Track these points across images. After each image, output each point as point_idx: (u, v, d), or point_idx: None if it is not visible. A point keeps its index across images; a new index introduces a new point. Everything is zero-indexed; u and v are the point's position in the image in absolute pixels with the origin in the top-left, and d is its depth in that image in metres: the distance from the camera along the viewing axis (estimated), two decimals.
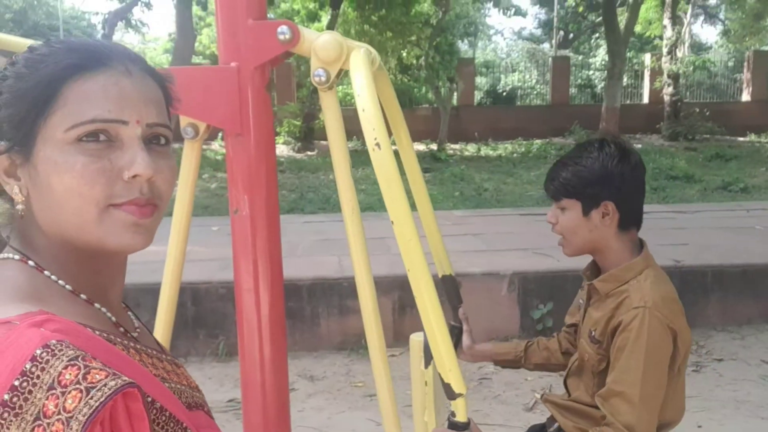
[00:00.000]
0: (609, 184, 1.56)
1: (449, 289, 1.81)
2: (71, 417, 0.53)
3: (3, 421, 0.54)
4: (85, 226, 0.66)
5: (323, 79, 1.34)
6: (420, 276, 1.21)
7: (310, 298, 4.11)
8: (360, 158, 13.17)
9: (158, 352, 0.76)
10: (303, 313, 4.10)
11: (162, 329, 1.68)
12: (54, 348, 0.56)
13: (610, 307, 1.56)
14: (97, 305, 0.71)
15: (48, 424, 0.54)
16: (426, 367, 1.48)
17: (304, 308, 4.11)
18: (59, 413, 0.54)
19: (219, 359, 4.05)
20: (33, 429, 0.54)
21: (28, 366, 0.55)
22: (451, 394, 1.24)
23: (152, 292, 3.57)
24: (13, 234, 0.71)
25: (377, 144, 1.19)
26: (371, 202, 8.75)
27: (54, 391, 0.54)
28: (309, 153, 13.89)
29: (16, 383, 0.54)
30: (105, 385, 0.55)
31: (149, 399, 0.63)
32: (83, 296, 0.70)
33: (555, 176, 1.63)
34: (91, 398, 0.54)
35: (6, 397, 0.54)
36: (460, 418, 1.32)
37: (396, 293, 4.21)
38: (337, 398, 3.62)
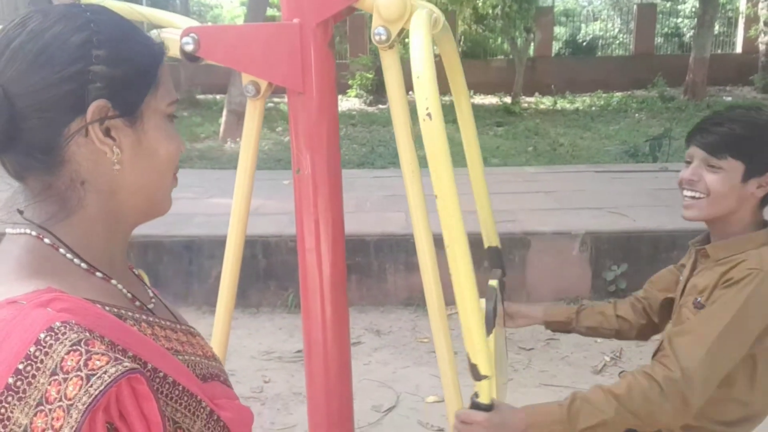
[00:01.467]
0: None
1: (494, 261, 1.77)
2: (71, 405, 0.53)
3: (7, 405, 0.54)
4: (164, 189, 0.74)
5: (383, 37, 1.30)
6: (459, 255, 1.18)
7: (377, 253, 4.13)
8: None
9: (172, 323, 0.76)
10: (370, 269, 4.13)
11: (228, 281, 1.72)
12: (58, 331, 0.55)
13: (720, 271, 1.41)
14: (113, 282, 0.71)
15: (50, 410, 0.53)
16: (488, 335, 1.45)
17: (371, 263, 4.14)
18: (61, 400, 0.53)
19: (289, 310, 4.15)
20: (36, 414, 0.54)
21: (32, 350, 0.55)
22: (477, 375, 1.23)
23: (223, 244, 3.70)
24: (35, 209, 0.69)
25: (428, 114, 1.14)
26: None
27: (56, 377, 0.54)
28: (381, 106, 13.80)
29: (21, 367, 0.54)
30: (105, 372, 0.54)
31: (161, 374, 0.64)
32: (99, 274, 0.69)
33: (720, 127, 1.41)
34: (91, 386, 0.54)
35: (10, 380, 0.54)
36: (484, 399, 1.30)
37: None
38: (402, 353, 3.66)
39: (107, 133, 0.68)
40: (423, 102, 1.14)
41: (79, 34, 0.67)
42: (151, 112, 0.72)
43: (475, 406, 1.31)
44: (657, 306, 1.72)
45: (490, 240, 1.77)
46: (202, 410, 0.67)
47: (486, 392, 1.31)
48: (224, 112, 10.21)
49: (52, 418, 0.53)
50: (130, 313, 0.68)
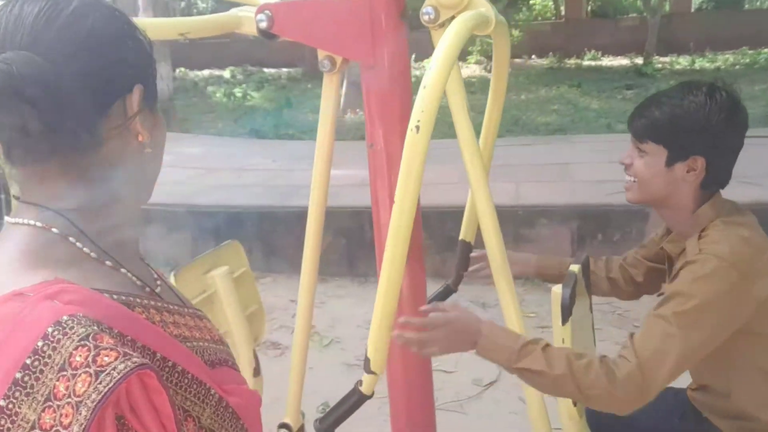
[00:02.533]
0: (706, 137, 1.35)
1: (462, 254, 1.86)
2: (80, 402, 0.53)
3: (15, 400, 0.53)
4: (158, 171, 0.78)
5: (431, 17, 1.26)
6: (395, 264, 1.23)
7: None
8: (555, 76, 12.53)
9: (179, 307, 0.75)
10: (477, 240, 4.07)
11: (310, 251, 1.76)
12: (65, 325, 0.54)
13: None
14: (123, 270, 0.70)
15: (58, 406, 0.53)
16: (563, 323, 1.39)
17: (477, 235, 4.06)
18: (69, 396, 0.53)
19: None
20: (44, 410, 0.53)
21: (39, 344, 0.54)
22: (367, 368, 1.31)
23: (333, 215, 3.79)
24: (51, 194, 0.68)
25: (417, 127, 1.10)
26: (562, 124, 8.31)
27: (65, 373, 0.53)
28: None
29: (28, 362, 0.54)
30: (114, 368, 0.54)
31: (170, 363, 0.63)
32: (109, 263, 0.69)
33: (644, 113, 1.42)
34: (100, 383, 0.53)
35: (18, 375, 0.53)
36: (364, 390, 1.35)
37: (575, 223, 4.00)
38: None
39: (140, 117, 0.70)
40: (417, 113, 1.09)
41: (115, 22, 0.69)
42: (155, 98, 0.75)
43: (352, 393, 1.38)
44: (643, 275, 1.69)
45: (467, 234, 1.85)
46: (211, 397, 0.67)
47: (368, 384, 1.35)
48: (344, 84, 10.39)
49: (61, 415, 0.53)
50: (138, 300, 0.68)
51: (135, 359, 0.55)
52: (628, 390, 1.25)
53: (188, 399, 0.65)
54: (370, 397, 1.43)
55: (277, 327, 3.77)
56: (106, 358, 0.54)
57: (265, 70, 14.71)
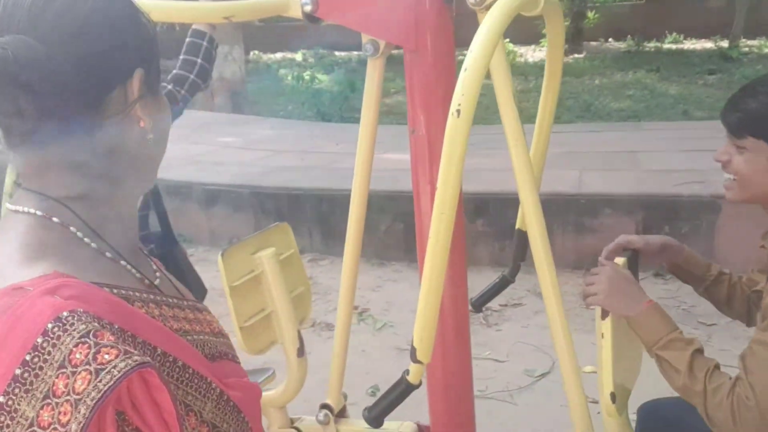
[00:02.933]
0: None
1: (519, 244, 1.78)
2: (80, 400, 0.52)
3: (14, 396, 0.52)
4: (161, 161, 0.75)
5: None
6: (438, 262, 1.20)
7: (546, 214, 3.95)
8: (632, 60, 12.04)
9: (179, 299, 0.74)
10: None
11: (353, 234, 1.77)
12: (65, 322, 0.54)
13: None
14: (122, 263, 0.69)
15: (57, 403, 0.52)
16: (603, 318, 1.36)
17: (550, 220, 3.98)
18: (69, 394, 0.52)
19: None
20: (42, 407, 0.52)
21: (39, 340, 0.53)
22: (413, 357, 1.29)
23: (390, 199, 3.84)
24: (52, 182, 0.66)
25: (458, 111, 1.07)
26: (636, 110, 8.00)
27: (64, 370, 0.52)
28: (576, 55, 13.03)
29: (28, 358, 0.53)
30: (115, 367, 0.53)
31: (171, 358, 0.63)
32: (109, 254, 0.68)
33: (738, 105, 1.33)
34: (100, 381, 0.52)
35: (17, 371, 0.53)
36: (411, 380, 1.33)
37: (640, 213, 3.85)
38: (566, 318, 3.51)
39: (141, 102, 0.68)
40: (458, 97, 1.06)
41: (115, 4, 0.67)
42: (159, 82, 0.73)
43: (399, 382, 1.37)
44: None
45: (523, 222, 1.76)
46: (212, 391, 0.67)
47: (414, 374, 1.33)
48: None
49: (59, 413, 0.52)
50: (138, 294, 0.67)
51: (136, 357, 0.54)
52: (747, 428, 1.24)
53: (189, 393, 0.64)
54: (417, 386, 1.42)
55: (332, 309, 3.82)
56: (106, 356, 0.53)
57: (336, 53, 14.80)
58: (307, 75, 11.06)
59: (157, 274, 0.76)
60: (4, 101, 0.61)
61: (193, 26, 1.96)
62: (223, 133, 6.67)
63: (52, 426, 0.51)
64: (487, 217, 4.07)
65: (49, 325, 0.53)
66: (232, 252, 1.79)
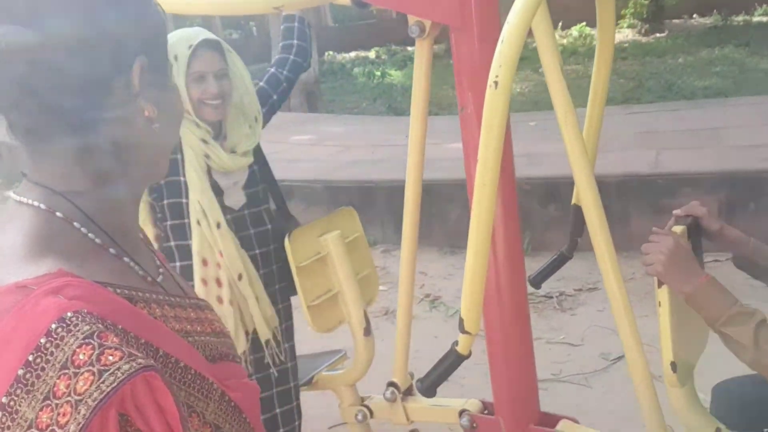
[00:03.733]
0: None
1: (576, 219, 1.76)
2: (80, 400, 0.51)
3: (16, 398, 0.52)
4: (171, 150, 0.75)
5: None
6: (482, 235, 1.23)
7: (620, 195, 3.86)
8: (719, 35, 11.42)
9: (181, 298, 0.73)
10: (611, 211, 3.87)
11: (409, 225, 1.81)
12: (69, 322, 0.53)
13: None
14: (126, 259, 0.68)
15: (56, 405, 0.51)
16: (659, 286, 1.34)
17: (613, 206, 3.88)
18: (69, 395, 0.51)
19: (525, 253, 4.12)
20: (41, 409, 0.51)
21: (42, 341, 0.52)
22: (461, 328, 1.33)
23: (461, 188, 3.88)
24: (55, 175, 0.65)
25: (495, 83, 1.07)
26: (723, 87, 7.61)
27: (66, 371, 0.52)
28: (658, 35, 12.50)
29: (30, 358, 0.52)
30: (119, 369, 0.52)
31: (173, 359, 0.62)
32: (112, 250, 0.66)
33: None
34: (103, 382, 0.51)
35: (20, 372, 0.52)
36: (461, 350, 1.35)
37: (723, 191, 3.69)
38: (642, 301, 3.41)
39: (145, 91, 0.67)
40: (495, 69, 1.07)
41: None
42: (169, 69, 0.73)
43: (449, 353, 1.40)
44: None
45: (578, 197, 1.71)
46: (214, 392, 0.66)
47: (463, 344, 1.34)
48: None
49: (58, 414, 0.51)
50: (140, 294, 0.66)
51: (140, 360, 0.54)
52: None
53: (192, 395, 0.64)
54: (467, 357, 1.45)
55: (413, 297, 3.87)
56: (110, 358, 0.52)
57: (409, 48, 14.84)
58: (378, 71, 11.17)
59: (161, 270, 0.75)
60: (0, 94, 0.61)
61: (283, 14, 2.04)
62: (297, 132, 6.85)
63: (50, 428, 0.51)
64: (558, 201, 4.01)
65: (53, 326, 0.53)
66: (298, 234, 1.88)
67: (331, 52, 15.33)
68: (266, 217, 1.96)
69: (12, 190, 0.67)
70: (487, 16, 1.44)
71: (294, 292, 2.00)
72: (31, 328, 0.53)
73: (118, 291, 0.62)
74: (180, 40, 1.74)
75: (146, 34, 0.67)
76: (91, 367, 0.52)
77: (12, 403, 0.52)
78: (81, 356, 0.52)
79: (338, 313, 1.96)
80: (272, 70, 2.06)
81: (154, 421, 0.55)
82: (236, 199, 1.87)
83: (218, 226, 1.79)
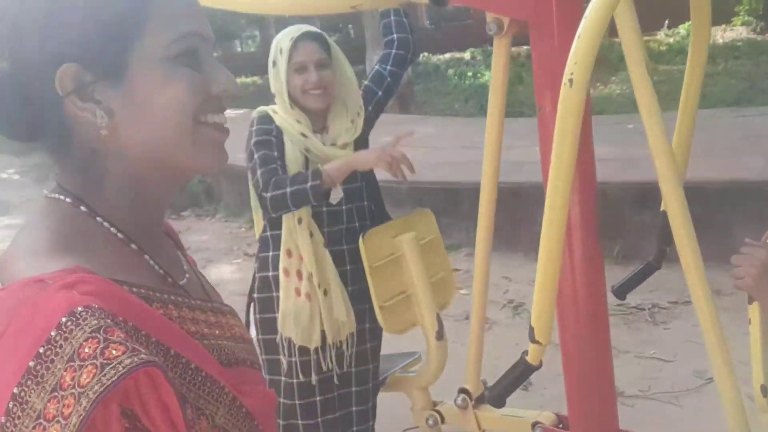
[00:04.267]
0: None
1: (664, 227, 1.59)
2: (83, 393, 0.52)
3: (27, 389, 0.53)
4: (181, 141, 0.66)
5: None
6: (554, 238, 1.05)
7: (722, 203, 3.62)
8: None
9: (203, 301, 0.72)
10: (710, 220, 3.65)
11: (483, 229, 1.77)
12: (79, 317, 0.54)
13: None
14: (146, 257, 0.68)
15: (62, 396, 0.52)
16: (750, 303, 1.24)
17: (714, 214, 3.64)
18: (74, 387, 0.52)
19: (616, 261, 3.94)
20: (49, 400, 0.52)
21: (53, 334, 0.54)
22: (531, 337, 1.28)
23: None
24: (68, 180, 0.67)
25: (570, 80, 1.01)
26: None
27: (72, 364, 0.53)
28: None
29: (41, 350, 0.53)
30: (120, 362, 0.53)
31: (184, 360, 0.62)
32: (134, 246, 0.67)
33: None
34: (104, 375, 0.52)
35: (31, 364, 0.53)
36: (531, 360, 1.30)
37: None
38: (744, 317, 3.19)
39: (90, 97, 0.64)
40: (571, 66, 1.01)
41: None
42: (141, 61, 0.64)
43: (519, 363, 1.33)
44: None
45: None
46: (225, 396, 0.66)
47: (533, 354, 1.28)
48: None
49: (63, 405, 0.52)
50: (158, 294, 0.66)
51: (143, 355, 0.54)
52: None
53: (201, 397, 0.64)
54: (537, 367, 1.40)
55: (488, 302, 3.80)
56: (113, 352, 0.53)
57: None
58: (470, 72, 11.07)
59: (187, 275, 0.74)
60: None
61: (380, 11, 2.07)
62: (386, 133, 6.86)
63: (56, 419, 0.52)
64: (653, 208, 3.80)
65: (63, 319, 0.54)
66: (373, 234, 1.87)
67: (426, 54, 15.35)
68: (361, 215, 1.98)
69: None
70: (569, 12, 1.38)
71: None
72: (44, 322, 0.54)
73: (134, 290, 0.63)
74: (284, 35, 1.84)
75: (80, 36, 0.63)
76: (94, 360, 0.52)
77: (23, 393, 0.53)
78: (87, 349, 0.53)
79: (411, 315, 1.94)
80: (377, 67, 2.08)
81: (158, 417, 0.55)
82: (334, 193, 1.89)
83: (299, 221, 1.83)
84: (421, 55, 14.37)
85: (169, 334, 0.62)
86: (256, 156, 1.84)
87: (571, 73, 1.08)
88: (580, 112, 1.11)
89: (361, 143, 2.00)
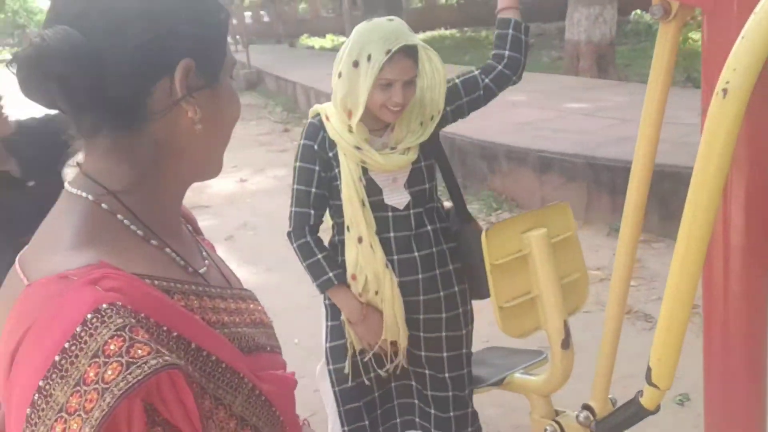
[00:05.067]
0: None
1: None
2: (107, 388, 0.53)
3: (51, 382, 0.55)
4: (222, 150, 0.74)
5: None
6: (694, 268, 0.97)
7: None
8: None
9: (223, 289, 0.73)
10: None
11: (629, 226, 1.55)
12: (104, 314, 0.56)
13: None
14: (167, 250, 0.70)
15: (85, 391, 0.54)
16: None
17: None
18: (97, 383, 0.54)
19: None
20: (72, 394, 0.54)
21: (78, 330, 0.55)
22: (648, 378, 1.11)
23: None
24: (102, 170, 0.68)
25: (724, 90, 0.79)
26: None
27: (97, 360, 0.54)
28: None
29: (66, 345, 0.55)
30: (146, 363, 0.54)
31: (204, 353, 0.64)
32: (154, 242, 0.69)
33: None
34: (130, 373, 0.54)
35: (57, 358, 0.55)
36: (646, 404, 1.15)
37: None
38: None
39: (190, 93, 0.67)
40: (728, 72, 0.79)
41: None
42: (225, 71, 0.71)
43: (631, 402, 1.19)
44: None
45: None
46: (243, 386, 0.68)
47: (649, 398, 1.13)
48: None
49: (86, 400, 0.54)
50: (179, 286, 0.68)
51: (167, 358, 0.56)
52: None
53: (220, 387, 0.65)
54: (653, 412, 1.22)
55: (655, 298, 3.45)
56: (139, 351, 0.55)
57: None
58: (693, 34, 9.96)
59: (206, 262, 0.76)
60: (38, 91, 0.63)
61: (498, 16, 1.89)
62: (573, 99, 6.44)
63: (78, 413, 0.53)
64: None
65: (89, 316, 0.55)
66: (499, 228, 1.73)
67: (639, 11, 14.09)
68: (432, 217, 1.88)
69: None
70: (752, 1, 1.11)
71: (477, 295, 1.92)
72: (69, 317, 0.56)
73: (156, 283, 0.64)
74: (378, 42, 1.64)
75: (196, 37, 0.67)
76: (120, 358, 0.54)
77: (48, 387, 0.55)
78: (112, 347, 0.54)
79: (534, 318, 1.78)
80: (476, 72, 1.89)
81: (177, 415, 0.58)
82: (399, 198, 1.81)
83: (359, 241, 1.79)
84: (633, 13, 13.20)
85: (191, 327, 0.64)
86: (294, 184, 1.82)
87: (727, 81, 0.87)
88: (734, 129, 0.89)
89: (429, 148, 1.84)
